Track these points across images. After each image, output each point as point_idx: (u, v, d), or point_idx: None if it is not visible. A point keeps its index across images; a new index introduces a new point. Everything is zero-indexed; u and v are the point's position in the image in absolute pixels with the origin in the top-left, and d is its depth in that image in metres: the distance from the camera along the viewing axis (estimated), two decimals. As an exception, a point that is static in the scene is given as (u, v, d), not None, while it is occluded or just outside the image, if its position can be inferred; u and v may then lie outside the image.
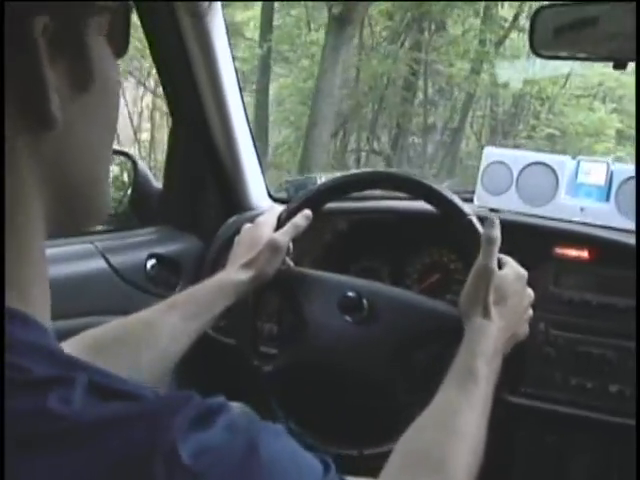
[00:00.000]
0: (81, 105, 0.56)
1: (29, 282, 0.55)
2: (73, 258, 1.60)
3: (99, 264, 1.67)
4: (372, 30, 9.86)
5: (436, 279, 1.71)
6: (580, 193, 1.71)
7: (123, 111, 7.65)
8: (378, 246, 1.77)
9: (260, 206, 1.95)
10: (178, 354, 1.18)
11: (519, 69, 9.62)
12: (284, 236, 1.35)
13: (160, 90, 2.21)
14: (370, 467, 0.96)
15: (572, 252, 1.54)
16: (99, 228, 1.74)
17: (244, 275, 1.29)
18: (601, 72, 8.74)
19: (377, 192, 1.71)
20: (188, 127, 1.87)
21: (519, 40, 10.24)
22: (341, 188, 1.46)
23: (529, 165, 1.74)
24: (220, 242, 1.82)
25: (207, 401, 0.52)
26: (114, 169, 1.90)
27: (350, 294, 1.35)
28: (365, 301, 1.34)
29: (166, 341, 1.16)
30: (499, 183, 1.75)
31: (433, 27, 10.08)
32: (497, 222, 1.21)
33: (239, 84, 1.86)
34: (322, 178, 1.92)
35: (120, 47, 0.62)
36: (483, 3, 9.66)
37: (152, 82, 8.27)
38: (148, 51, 1.77)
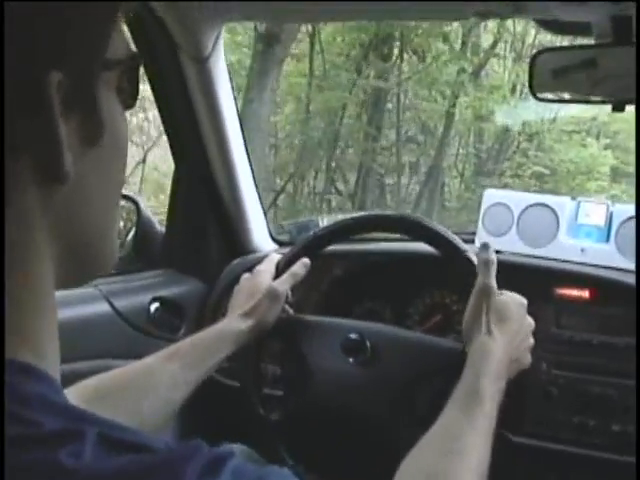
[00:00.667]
0: (91, 159, 0.56)
1: (42, 335, 0.55)
2: (77, 301, 1.60)
3: (103, 307, 1.67)
4: (323, 56, 8.82)
5: (438, 320, 1.72)
6: (580, 234, 1.71)
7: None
8: (379, 288, 1.77)
9: (263, 249, 1.96)
10: (179, 402, 1.19)
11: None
12: (283, 284, 1.37)
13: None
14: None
15: (573, 292, 1.54)
16: (103, 271, 1.75)
17: (244, 324, 1.30)
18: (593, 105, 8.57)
19: (377, 234, 1.72)
20: (191, 171, 1.89)
21: (498, 67, 9.83)
22: (338, 233, 1.48)
23: (530, 206, 1.75)
24: (223, 285, 1.82)
25: (215, 449, 0.53)
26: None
27: (352, 336, 1.36)
28: (368, 342, 1.35)
29: (166, 389, 1.17)
30: (500, 224, 1.76)
31: (406, 54, 9.16)
32: (491, 246, 1.23)
33: (242, 128, 1.89)
34: (324, 221, 1.93)
35: (129, 100, 0.62)
36: (460, 30, 9.04)
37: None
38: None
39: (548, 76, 1.35)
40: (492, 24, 8.88)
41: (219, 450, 0.53)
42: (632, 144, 9.18)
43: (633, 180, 8.74)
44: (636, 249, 1.57)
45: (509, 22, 8.66)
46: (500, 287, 1.22)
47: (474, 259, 1.28)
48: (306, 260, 1.41)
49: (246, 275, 1.42)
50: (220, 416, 1.67)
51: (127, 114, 0.62)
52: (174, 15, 1.58)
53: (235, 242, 1.95)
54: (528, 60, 1.39)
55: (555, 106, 8.27)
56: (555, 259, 1.67)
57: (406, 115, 9.90)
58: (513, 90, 9.49)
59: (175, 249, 1.93)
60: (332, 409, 1.38)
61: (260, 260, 1.47)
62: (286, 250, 1.49)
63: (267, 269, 1.41)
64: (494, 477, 0.99)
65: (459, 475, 0.94)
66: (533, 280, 1.54)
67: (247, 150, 1.91)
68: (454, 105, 9.28)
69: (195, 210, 1.93)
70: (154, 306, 1.79)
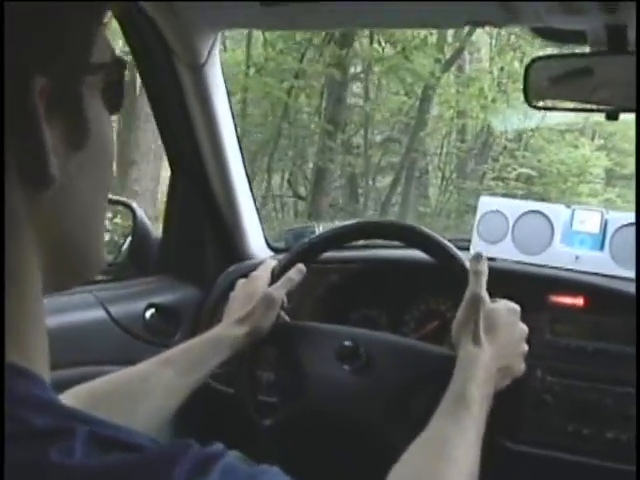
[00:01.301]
0: (77, 162, 0.57)
1: (28, 335, 0.55)
2: (72, 308, 1.60)
3: (98, 314, 1.68)
4: (265, 39, 7.89)
5: (434, 326, 1.71)
6: (575, 241, 1.72)
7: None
8: (375, 295, 1.78)
9: (259, 255, 1.96)
10: (173, 408, 1.20)
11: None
12: (278, 290, 1.37)
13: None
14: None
15: (567, 300, 1.55)
16: (98, 278, 1.75)
17: (239, 330, 1.30)
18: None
19: (372, 241, 1.72)
20: (187, 177, 1.89)
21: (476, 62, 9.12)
22: (333, 240, 1.48)
23: (525, 214, 1.75)
24: (218, 291, 1.82)
25: (205, 449, 0.53)
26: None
27: (347, 343, 1.36)
28: (362, 349, 1.35)
29: (160, 396, 1.17)
30: (495, 232, 1.77)
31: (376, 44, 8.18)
32: (484, 256, 1.24)
33: (237, 134, 1.89)
34: (320, 227, 1.94)
35: (114, 104, 0.62)
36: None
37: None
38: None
39: (543, 84, 1.35)
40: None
41: (210, 449, 0.53)
42: (628, 146, 9.00)
43: (629, 183, 8.61)
44: (636, 256, 1.57)
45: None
46: (495, 294, 1.22)
47: (469, 267, 1.29)
48: (301, 266, 1.41)
49: (242, 281, 1.42)
50: (214, 422, 1.67)
51: None
52: (170, 22, 1.58)
53: (231, 249, 1.95)
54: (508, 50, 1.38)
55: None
56: (550, 266, 1.67)
57: (374, 110, 9.22)
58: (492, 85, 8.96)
59: (171, 255, 1.93)
60: (327, 415, 1.38)
61: (256, 267, 1.47)
62: (282, 257, 1.49)
63: (263, 275, 1.41)
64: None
65: (448, 479, 0.95)
66: (528, 287, 1.54)
67: (243, 157, 1.92)
68: (427, 99, 8.76)
69: (191, 216, 1.93)
70: (150, 312, 1.79)
